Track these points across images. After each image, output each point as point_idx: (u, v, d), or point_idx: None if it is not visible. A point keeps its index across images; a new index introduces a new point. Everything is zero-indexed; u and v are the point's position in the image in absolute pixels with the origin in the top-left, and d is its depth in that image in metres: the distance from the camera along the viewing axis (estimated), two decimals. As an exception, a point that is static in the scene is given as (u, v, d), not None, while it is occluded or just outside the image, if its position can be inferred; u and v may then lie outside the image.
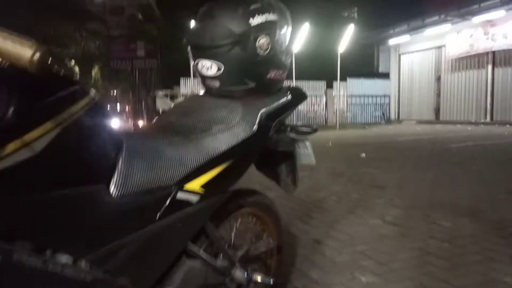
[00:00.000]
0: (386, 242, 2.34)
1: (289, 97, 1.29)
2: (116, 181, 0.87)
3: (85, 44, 26.31)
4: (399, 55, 16.77)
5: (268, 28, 1.16)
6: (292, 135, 1.33)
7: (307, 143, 1.37)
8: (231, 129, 1.11)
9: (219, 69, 1.16)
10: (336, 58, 13.79)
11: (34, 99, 0.69)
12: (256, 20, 1.14)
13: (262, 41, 1.15)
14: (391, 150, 6.70)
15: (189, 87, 14.29)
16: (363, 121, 15.78)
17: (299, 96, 1.35)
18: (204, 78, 1.22)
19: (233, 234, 1.31)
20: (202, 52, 1.17)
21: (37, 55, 0.56)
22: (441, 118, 14.72)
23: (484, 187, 3.67)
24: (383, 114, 16.57)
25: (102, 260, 0.85)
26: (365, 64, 17.79)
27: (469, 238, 2.33)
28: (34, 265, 0.72)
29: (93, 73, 31.27)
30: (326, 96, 15.94)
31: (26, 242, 0.72)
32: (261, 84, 1.22)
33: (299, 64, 13.73)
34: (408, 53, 16.30)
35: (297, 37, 13.00)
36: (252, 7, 1.15)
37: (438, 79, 14.99)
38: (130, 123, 15.50)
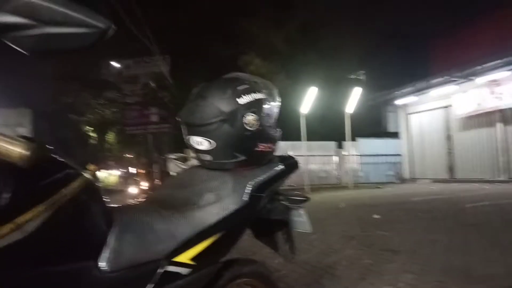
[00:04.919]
0: (398, 311, 2.23)
1: (281, 166, 1.33)
2: (106, 256, 0.89)
3: (102, 111, 27.48)
4: (407, 115, 16.94)
5: (254, 106, 1.23)
6: (285, 203, 1.34)
7: (301, 211, 1.38)
8: (221, 201, 1.14)
9: (209, 144, 1.21)
10: (344, 119, 14.02)
11: (27, 184, 0.73)
12: (243, 100, 1.21)
13: (249, 118, 1.22)
14: (404, 211, 6.55)
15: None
16: (376, 181, 15.61)
17: (291, 165, 1.39)
18: (196, 152, 1.27)
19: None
20: (194, 129, 1.24)
21: (27, 153, 0.61)
22: (456, 177, 14.46)
23: (499, 251, 3.52)
24: (396, 173, 16.40)
25: None
26: (374, 124, 17.99)
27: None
28: None
29: (108, 138, 32.17)
30: (337, 156, 15.99)
31: None
32: (251, 156, 1.26)
33: (309, 125, 13.97)
34: (416, 112, 16.47)
35: (306, 100, 13.36)
36: (240, 88, 1.23)
37: (449, 137, 14.97)
38: (144, 185, 15.63)
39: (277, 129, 1.36)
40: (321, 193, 11.21)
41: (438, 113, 15.36)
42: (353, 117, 14.28)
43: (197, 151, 1.26)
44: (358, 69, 21.99)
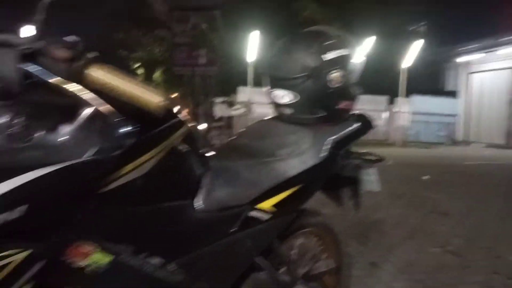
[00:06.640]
0: (447, 272, 2.27)
1: (357, 124, 1.34)
2: (200, 197, 1.00)
3: (151, 49, 27.83)
4: (468, 74, 15.87)
5: (340, 62, 1.23)
6: (358, 162, 1.37)
7: (372, 170, 1.40)
8: (300, 155, 1.18)
9: (293, 98, 1.24)
10: (399, 74, 13.38)
11: (149, 129, 0.84)
12: (329, 56, 1.21)
13: (334, 75, 1.22)
14: (456, 175, 6.37)
15: (246, 95, 14.61)
16: (426, 140, 15.08)
17: (367, 124, 1.39)
18: (277, 105, 1.30)
19: (296, 252, 1.37)
20: (278, 82, 1.26)
21: (163, 103, 0.69)
22: (512, 143, 13.71)
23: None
24: (448, 134, 15.72)
25: (185, 266, 0.96)
26: (430, 81, 17.04)
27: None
28: (134, 264, 0.86)
29: (154, 77, 32.80)
30: (387, 112, 15.45)
31: (129, 245, 0.86)
32: (331, 113, 1.28)
33: (361, 78, 13.51)
34: (479, 72, 15.38)
35: (361, 50, 12.80)
36: (326, 43, 1.23)
37: (511, 101, 14.00)
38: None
39: (359, 86, 1.35)
40: (367, 149, 11.05)
41: (503, 74, 14.26)
42: (409, 72, 13.58)
43: (278, 104, 1.29)
44: (419, 21, 20.52)
